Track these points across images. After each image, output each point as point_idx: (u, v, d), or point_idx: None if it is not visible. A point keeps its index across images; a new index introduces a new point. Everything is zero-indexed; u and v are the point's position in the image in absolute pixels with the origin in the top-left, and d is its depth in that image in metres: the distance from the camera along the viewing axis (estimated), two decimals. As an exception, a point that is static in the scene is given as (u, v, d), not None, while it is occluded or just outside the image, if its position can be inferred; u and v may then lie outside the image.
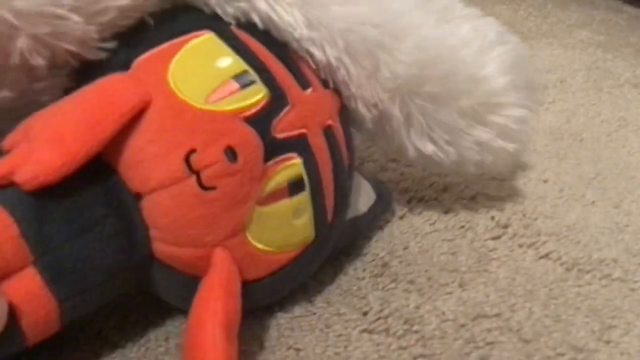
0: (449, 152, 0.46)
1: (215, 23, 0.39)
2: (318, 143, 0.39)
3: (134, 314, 0.41)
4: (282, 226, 0.38)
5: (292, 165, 0.37)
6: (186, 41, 0.37)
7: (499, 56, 0.46)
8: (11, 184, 0.32)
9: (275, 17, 0.40)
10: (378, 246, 0.48)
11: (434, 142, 0.46)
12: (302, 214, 0.38)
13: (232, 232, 0.36)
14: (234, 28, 0.40)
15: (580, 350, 0.40)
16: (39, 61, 0.36)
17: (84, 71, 0.38)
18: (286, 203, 0.37)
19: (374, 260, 0.47)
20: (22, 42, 0.35)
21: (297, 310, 0.42)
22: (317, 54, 0.41)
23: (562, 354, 0.40)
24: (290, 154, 0.37)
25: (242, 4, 0.40)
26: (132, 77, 0.36)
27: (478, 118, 0.46)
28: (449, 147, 0.46)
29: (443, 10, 0.47)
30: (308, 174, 0.38)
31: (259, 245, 0.37)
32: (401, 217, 0.51)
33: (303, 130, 0.38)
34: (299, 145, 0.38)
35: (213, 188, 0.34)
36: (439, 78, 0.44)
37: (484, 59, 0.46)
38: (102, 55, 0.38)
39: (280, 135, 0.37)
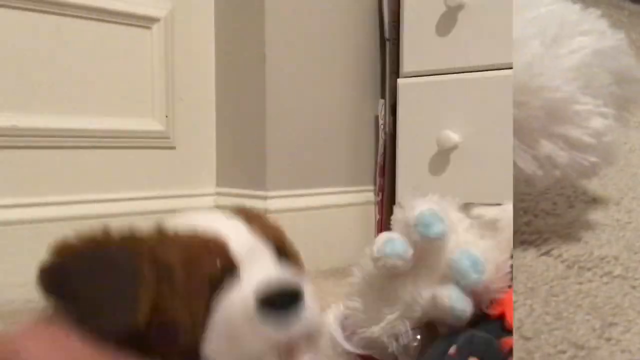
0: None
1: None
2: None
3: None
4: None
5: None
6: None
7: (568, 55, 0.38)
8: None
9: None
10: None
11: None
12: None
13: None
14: None
15: (581, 347, 0.40)
16: None
17: None
18: None
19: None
20: None
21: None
22: None
23: (563, 351, 0.40)
24: None
25: None
26: None
27: (538, 131, 0.39)
28: None
29: None
30: None
31: None
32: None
33: None
34: None
35: None
36: None
37: (542, 62, 0.38)
38: None
39: None
